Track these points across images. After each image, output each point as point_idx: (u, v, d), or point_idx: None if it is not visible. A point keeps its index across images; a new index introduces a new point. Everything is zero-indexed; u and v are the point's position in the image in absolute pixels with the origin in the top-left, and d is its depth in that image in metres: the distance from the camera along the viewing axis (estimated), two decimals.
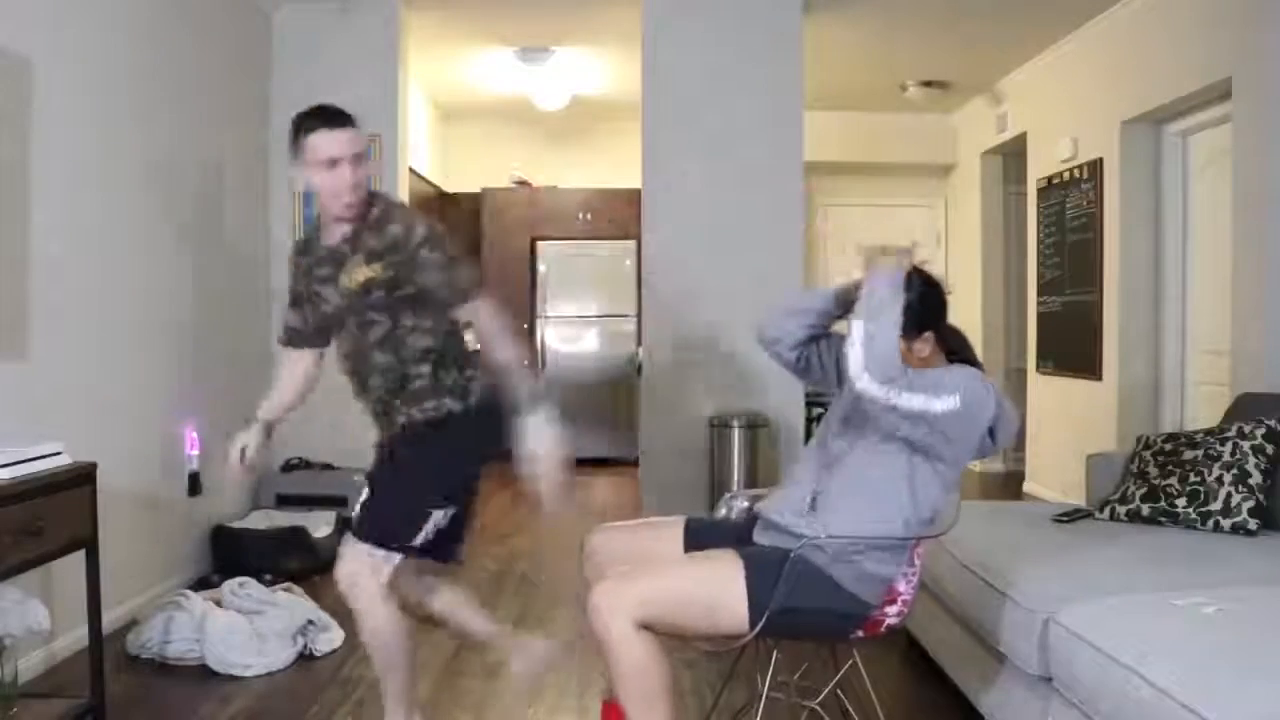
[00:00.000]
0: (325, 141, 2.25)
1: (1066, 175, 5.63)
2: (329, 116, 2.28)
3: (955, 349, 2.08)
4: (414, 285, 2.29)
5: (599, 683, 2.83)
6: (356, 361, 2.39)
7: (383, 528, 2.34)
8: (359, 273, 2.29)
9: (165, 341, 3.85)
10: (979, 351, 2.22)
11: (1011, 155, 6.86)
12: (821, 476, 2.03)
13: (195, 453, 4.05)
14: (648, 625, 1.84)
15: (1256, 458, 2.75)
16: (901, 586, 1.99)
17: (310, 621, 3.24)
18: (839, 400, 2.18)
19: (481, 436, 2.41)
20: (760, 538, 2.07)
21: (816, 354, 2.20)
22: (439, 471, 2.38)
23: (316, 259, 2.40)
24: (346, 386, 5.13)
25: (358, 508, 2.42)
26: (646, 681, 1.84)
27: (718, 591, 1.89)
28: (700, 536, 2.12)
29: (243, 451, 2.54)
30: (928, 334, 2.00)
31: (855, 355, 1.86)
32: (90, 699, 2.51)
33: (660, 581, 1.90)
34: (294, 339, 2.53)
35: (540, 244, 7.67)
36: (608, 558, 2.13)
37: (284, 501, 4.65)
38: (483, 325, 2.36)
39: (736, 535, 2.08)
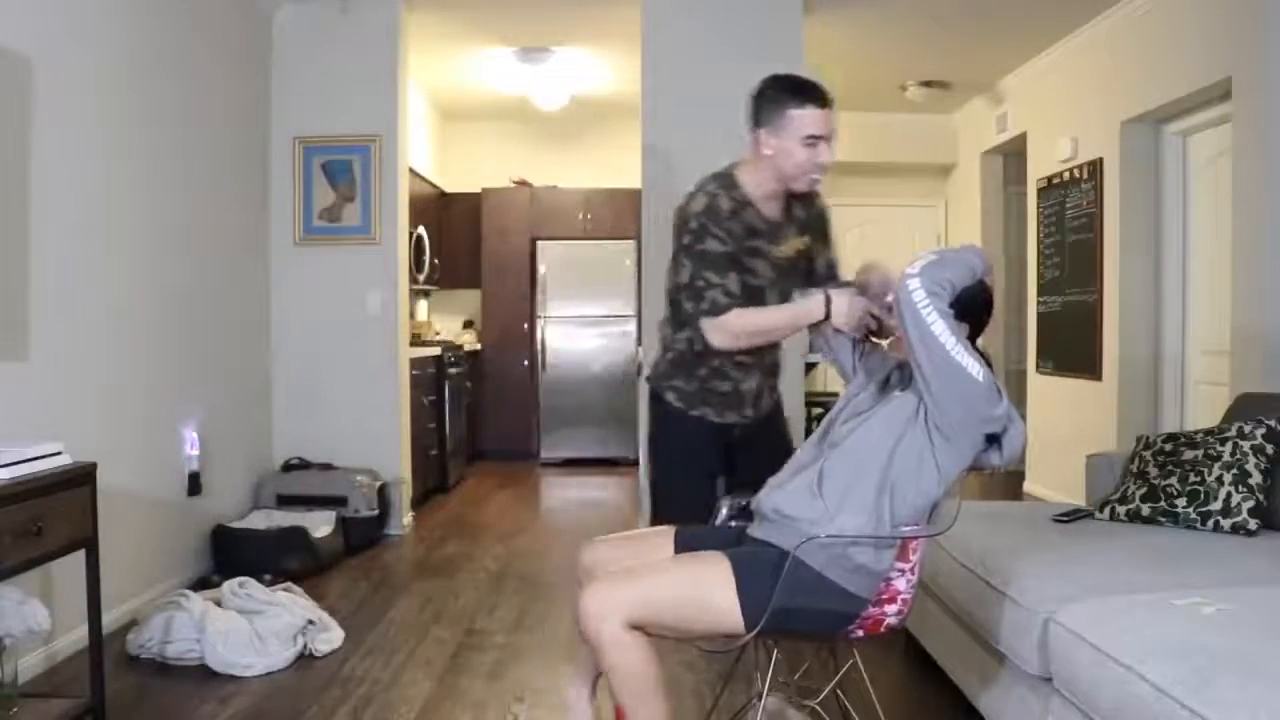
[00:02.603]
0: (816, 119, 2.23)
1: (1066, 175, 5.64)
2: (819, 94, 2.25)
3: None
4: (815, 259, 2.48)
5: (598, 682, 2.83)
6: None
7: None
8: (792, 244, 2.39)
9: (165, 341, 3.85)
10: None
11: (1011, 155, 6.86)
12: (826, 455, 2.03)
13: (195, 453, 4.06)
14: (638, 626, 1.84)
15: (1256, 458, 2.75)
16: (901, 585, 1.99)
17: (310, 621, 3.24)
18: (847, 396, 2.19)
19: None
20: (756, 531, 2.07)
21: (853, 343, 2.28)
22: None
23: (750, 229, 2.33)
24: (345, 385, 5.11)
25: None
26: (642, 682, 1.84)
27: (705, 592, 1.89)
28: (690, 544, 2.11)
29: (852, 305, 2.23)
30: (964, 325, 1.99)
31: (917, 262, 1.88)
32: (90, 699, 2.51)
33: (648, 583, 1.90)
34: (735, 308, 2.30)
35: (540, 244, 7.67)
36: (602, 571, 2.12)
37: (284, 501, 4.65)
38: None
39: (726, 543, 2.08)
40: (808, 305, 2.27)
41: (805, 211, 2.46)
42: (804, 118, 2.22)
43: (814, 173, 2.29)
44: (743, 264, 2.34)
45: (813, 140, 2.23)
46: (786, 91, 2.24)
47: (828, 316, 2.22)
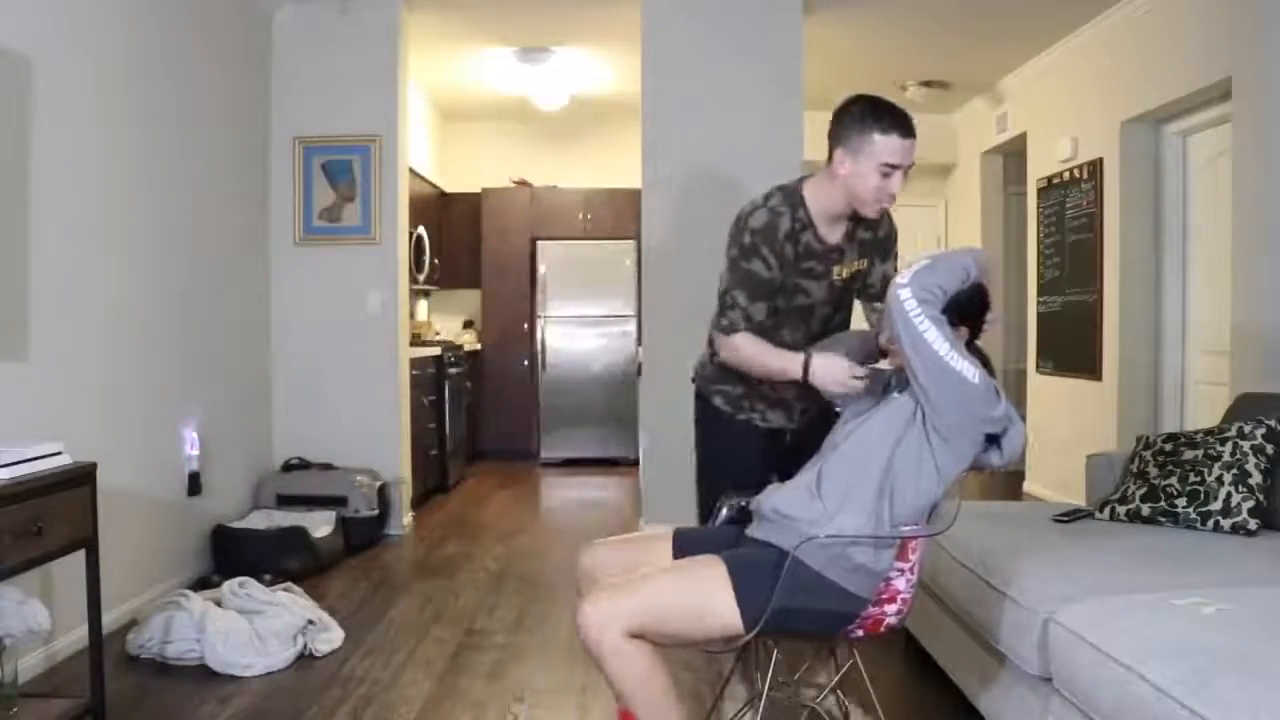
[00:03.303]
0: (899, 148, 2.16)
1: (1066, 175, 5.64)
2: (906, 123, 2.18)
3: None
4: (874, 269, 2.46)
5: (598, 682, 2.83)
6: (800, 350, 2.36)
7: None
8: (850, 266, 2.39)
9: (165, 341, 3.85)
10: None
11: (1011, 155, 6.86)
12: (825, 456, 2.04)
13: (195, 453, 4.06)
14: (638, 635, 1.84)
15: (1256, 458, 2.75)
16: (900, 585, 1.99)
17: (310, 621, 3.24)
18: (847, 413, 2.19)
19: None
20: (755, 531, 2.07)
21: None
22: None
23: (806, 252, 2.30)
24: (345, 385, 5.11)
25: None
26: (650, 690, 1.84)
27: (703, 597, 1.88)
28: (689, 546, 2.11)
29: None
30: (963, 329, 1.99)
31: (907, 271, 1.88)
32: (90, 699, 2.51)
33: (646, 591, 1.89)
34: (755, 333, 2.33)
35: (540, 244, 7.67)
36: (601, 574, 2.12)
37: (284, 501, 4.65)
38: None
39: (724, 543, 2.08)
40: (793, 363, 2.25)
41: (872, 233, 2.44)
42: (887, 145, 2.15)
43: (885, 201, 2.24)
44: (786, 288, 2.34)
45: (890, 169, 2.17)
46: (873, 115, 2.17)
47: (805, 378, 2.23)
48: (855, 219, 2.37)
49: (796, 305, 2.37)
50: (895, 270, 2.52)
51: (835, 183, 2.26)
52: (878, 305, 2.51)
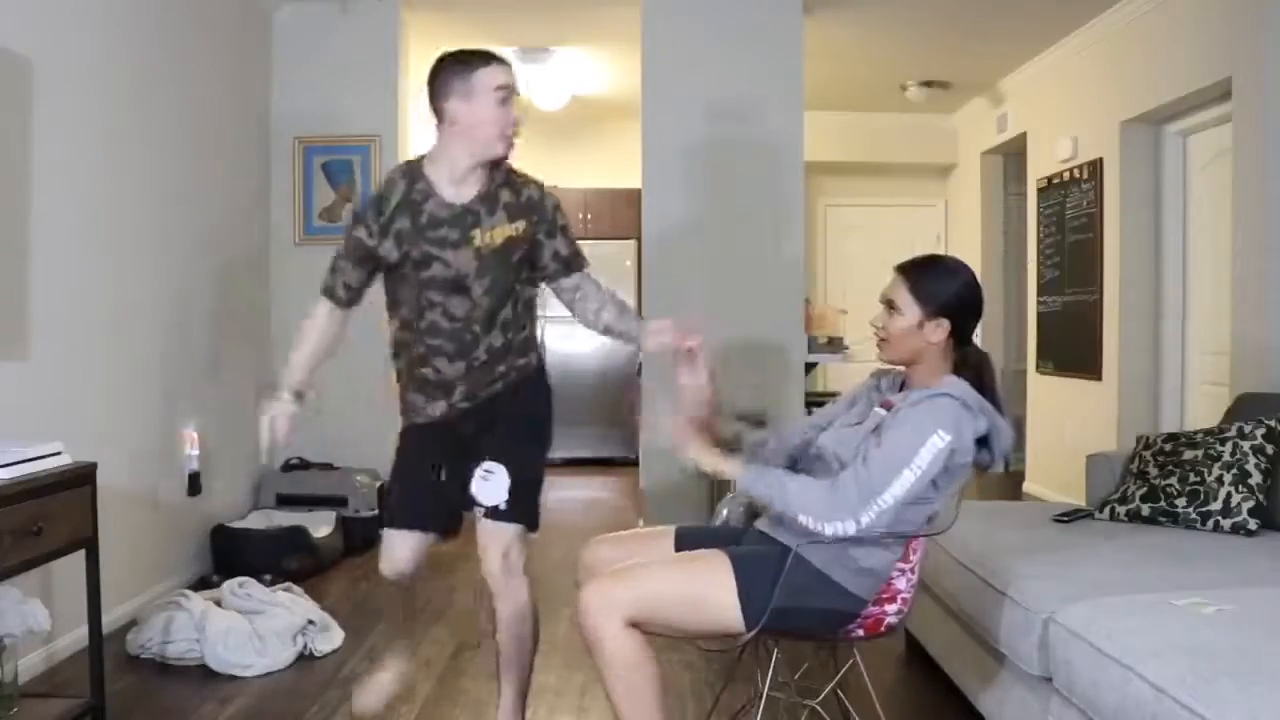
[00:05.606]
0: (500, 73, 2.17)
1: (1066, 175, 5.64)
2: (489, 54, 2.19)
3: (973, 365, 2.01)
4: (541, 246, 2.37)
5: (599, 682, 2.83)
6: (467, 325, 2.30)
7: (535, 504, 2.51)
8: (500, 231, 2.26)
9: (165, 341, 3.85)
10: None
11: (1011, 155, 6.86)
12: (836, 467, 2.04)
13: (195, 453, 4.05)
14: (638, 624, 1.84)
15: (1256, 458, 2.75)
16: (901, 585, 1.99)
17: (310, 621, 3.24)
18: (833, 414, 2.20)
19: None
20: (763, 525, 2.08)
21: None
22: (548, 424, 2.52)
23: (430, 220, 2.21)
24: (345, 385, 5.10)
25: (508, 486, 2.45)
26: (635, 678, 1.85)
27: (706, 590, 1.89)
28: (691, 544, 2.12)
29: (274, 423, 2.42)
30: (944, 321, 1.97)
31: (802, 519, 1.88)
32: (90, 699, 2.51)
33: (648, 580, 1.90)
34: (352, 298, 2.42)
35: None
36: (602, 570, 2.11)
37: (284, 501, 4.65)
38: (595, 289, 2.55)
39: (727, 542, 2.08)
40: (296, 386, 2.59)
41: (514, 198, 2.32)
42: (491, 74, 2.16)
43: (508, 131, 2.20)
44: (414, 258, 2.31)
45: (505, 93, 2.17)
46: (461, 61, 2.17)
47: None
48: (493, 182, 2.25)
49: (428, 276, 2.25)
50: (567, 249, 2.43)
51: (454, 138, 2.19)
52: (564, 284, 2.50)
